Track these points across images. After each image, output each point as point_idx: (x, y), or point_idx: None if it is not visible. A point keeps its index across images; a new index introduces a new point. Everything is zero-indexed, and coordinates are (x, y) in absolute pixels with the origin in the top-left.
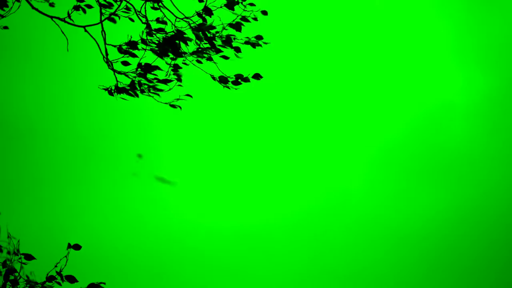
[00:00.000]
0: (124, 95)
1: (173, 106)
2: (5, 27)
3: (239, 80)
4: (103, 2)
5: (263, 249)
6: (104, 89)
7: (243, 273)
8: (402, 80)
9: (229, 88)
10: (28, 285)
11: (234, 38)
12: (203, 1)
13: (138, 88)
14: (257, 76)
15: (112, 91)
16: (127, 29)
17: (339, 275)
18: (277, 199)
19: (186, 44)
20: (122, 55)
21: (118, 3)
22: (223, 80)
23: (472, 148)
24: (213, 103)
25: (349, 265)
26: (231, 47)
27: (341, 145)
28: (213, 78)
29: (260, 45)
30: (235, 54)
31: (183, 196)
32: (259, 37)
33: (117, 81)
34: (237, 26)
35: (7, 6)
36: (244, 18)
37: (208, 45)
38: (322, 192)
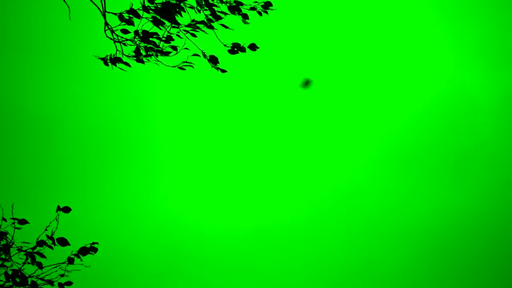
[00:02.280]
0: (121, 65)
1: (182, 68)
2: None
3: (235, 49)
4: None
5: (265, 249)
6: (100, 58)
7: (244, 273)
8: (426, 76)
9: (217, 70)
10: (20, 251)
11: (242, 4)
12: None
13: (144, 53)
14: (253, 47)
15: (108, 61)
16: None
17: (342, 275)
18: (279, 197)
19: (181, 15)
20: (121, 23)
21: None
22: (213, 59)
23: (494, 146)
24: (213, 98)
25: (353, 265)
26: (239, 12)
27: (348, 144)
28: (204, 55)
29: (266, 13)
30: (243, 20)
31: (182, 195)
32: (267, 4)
33: (116, 49)
34: None
35: None
36: None
37: (208, 12)
38: (338, 191)
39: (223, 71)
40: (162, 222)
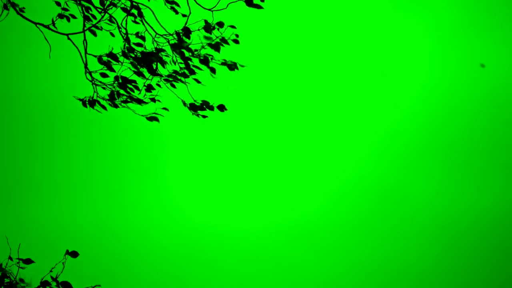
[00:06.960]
0: (98, 107)
1: (149, 119)
2: None
3: (204, 106)
4: (87, 14)
5: (264, 249)
6: (79, 99)
7: (244, 274)
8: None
9: (198, 116)
10: None
11: (212, 58)
12: (185, 16)
13: (117, 99)
14: (221, 108)
15: (86, 102)
16: (109, 40)
17: (348, 275)
18: (278, 199)
19: (163, 66)
20: (102, 66)
21: (102, 14)
22: (193, 107)
23: None
24: (217, 98)
25: (358, 265)
26: (208, 66)
27: (358, 144)
28: (184, 104)
29: (237, 68)
30: (211, 75)
31: (183, 197)
32: (235, 64)
33: (94, 92)
34: (216, 47)
35: None
36: (224, 40)
37: (183, 65)
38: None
39: (204, 116)
40: (170, 222)
